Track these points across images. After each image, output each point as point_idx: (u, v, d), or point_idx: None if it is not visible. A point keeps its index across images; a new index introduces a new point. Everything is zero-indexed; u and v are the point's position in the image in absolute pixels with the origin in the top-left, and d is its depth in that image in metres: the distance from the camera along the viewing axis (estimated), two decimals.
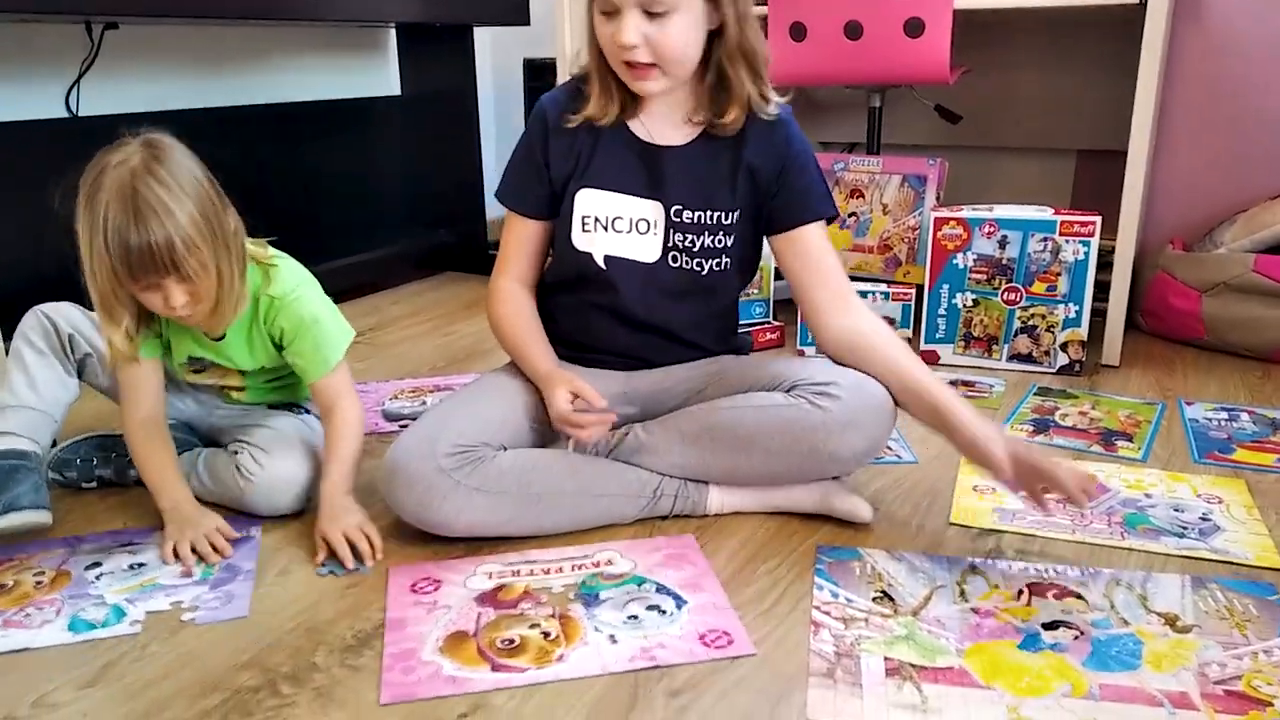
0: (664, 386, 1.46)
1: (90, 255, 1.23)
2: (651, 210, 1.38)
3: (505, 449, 1.34)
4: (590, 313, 1.43)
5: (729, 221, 1.38)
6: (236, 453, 1.42)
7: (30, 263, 2.13)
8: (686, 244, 1.38)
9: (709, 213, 1.37)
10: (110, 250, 1.20)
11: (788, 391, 1.34)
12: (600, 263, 1.39)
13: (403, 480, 1.29)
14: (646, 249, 1.38)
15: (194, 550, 1.31)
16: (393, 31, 3.02)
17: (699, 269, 1.39)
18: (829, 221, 1.41)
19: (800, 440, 1.31)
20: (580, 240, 1.39)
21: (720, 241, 1.38)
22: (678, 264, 1.39)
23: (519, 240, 1.45)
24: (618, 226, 1.38)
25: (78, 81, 2.21)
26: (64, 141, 2.16)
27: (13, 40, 2.11)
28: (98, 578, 1.28)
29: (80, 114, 2.22)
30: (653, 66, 1.26)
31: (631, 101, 1.36)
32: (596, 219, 1.38)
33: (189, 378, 1.51)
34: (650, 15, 1.22)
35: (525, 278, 1.47)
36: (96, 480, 1.52)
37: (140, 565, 1.31)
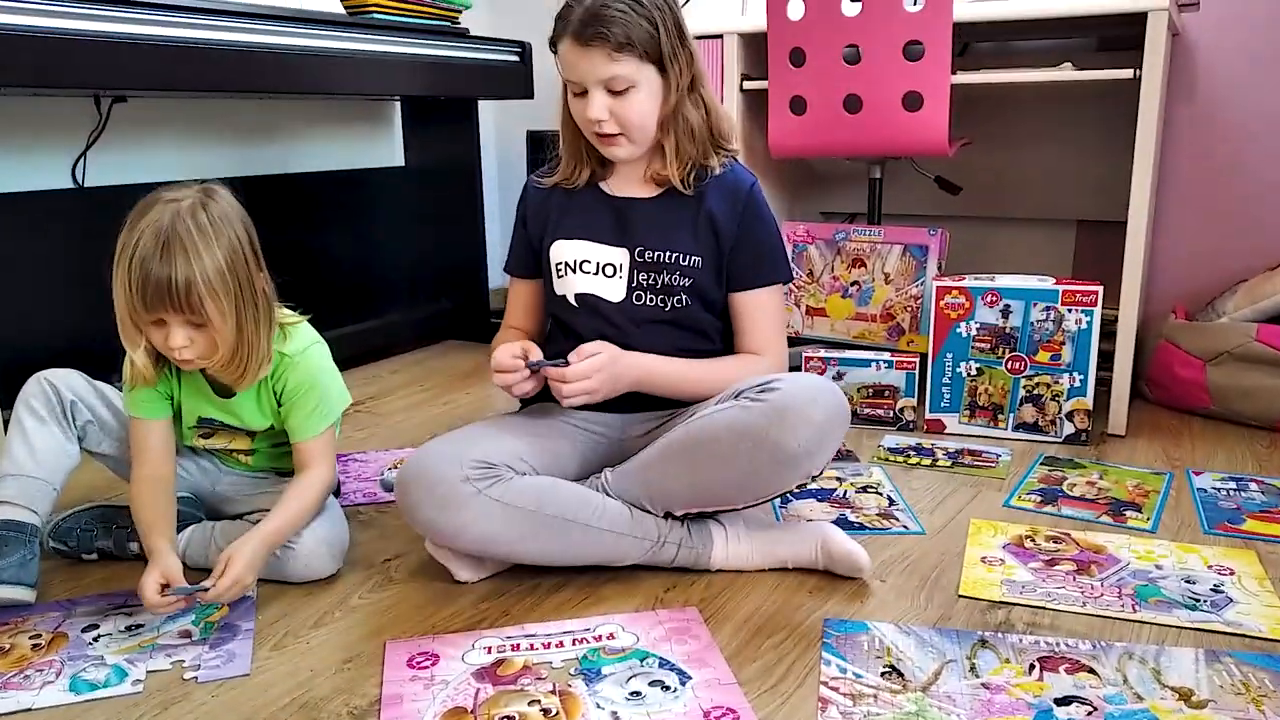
0: (651, 423, 1.51)
1: (116, 276, 1.27)
2: (618, 256, 1.50)
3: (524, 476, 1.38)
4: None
5: (687, 264, 1.47)
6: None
7: (36, 331, 2.13)
8: (650, 282, 1.49)
9: (669, 252, 1.48)
10: (131, 275, 1.24)
11: (735, 398, 1.38)
12: (573, 300, 1.51)
13: (425, 482, 1.32)
14: (613, 289, 1.50)
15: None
16: (398, 104, 3.07)
17: (661, 305, 1.49)
18: (785, 282, 1.56)
19: (744, 436, 1.32)
20: (558, 285, 1.53)
21: (679, 281, 1.48)
22: (641, 301, 1.49)
23: (514, 297, 1.64)
24: (585, 269, 1.50)
25: (84, 153, 2.23)
26: (69, 213, 2.18)
27: (21, 113, 2.14)
28: (95, 639, 1.28)
29: (86, 185, 2.24)
30: (620, 135, 1.43)
31: (601, 166, 1.53)
32: (567, 264, 1.52)
33: (198, 442, 1.50)
34: (613, 93, 1.40)
35: (521, 326, 1.63)
36: (96, 552, 1.50)
37: (138, 626, 1.31)
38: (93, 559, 1.50)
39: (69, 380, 1.45)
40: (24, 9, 1.65)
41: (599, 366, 1.39)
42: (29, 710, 1.13)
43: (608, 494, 1.41)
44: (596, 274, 1.50)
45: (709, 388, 1.46)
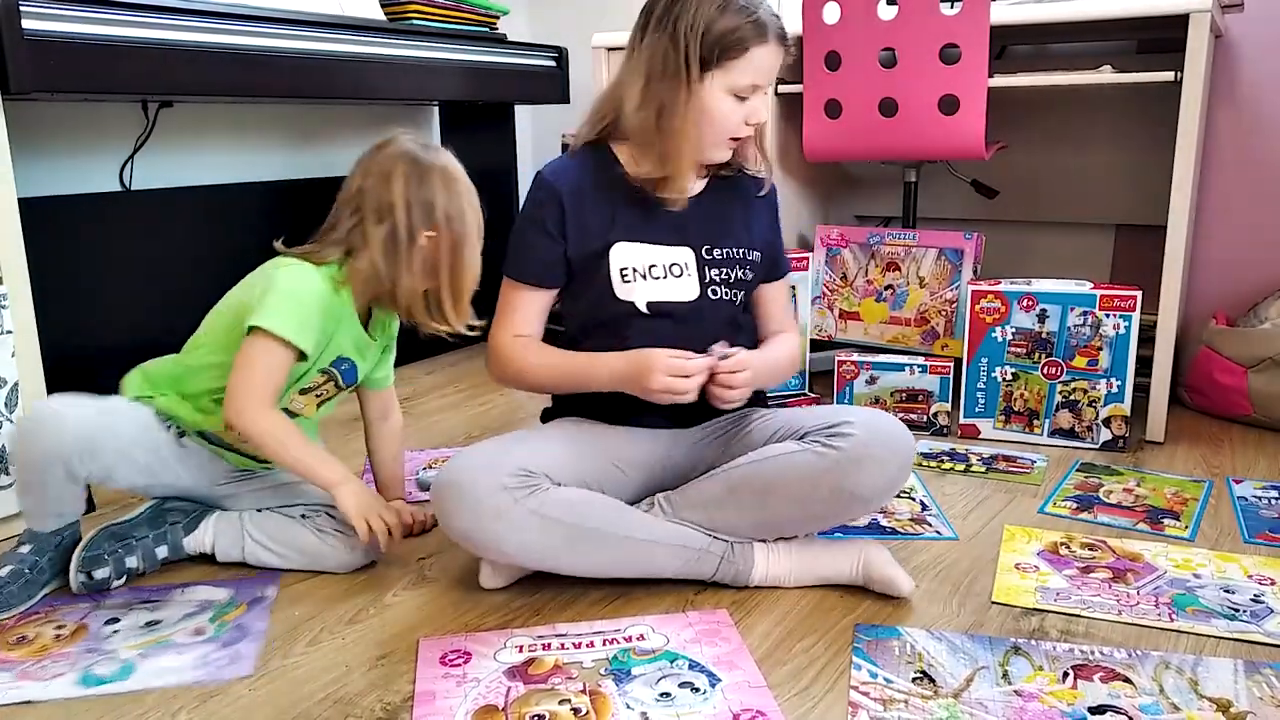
0: (697, 441, 1.50)
1: (447, 220, 1.47)
2: (682, 255, 1.48)
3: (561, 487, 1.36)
4: None
5: (751, 257, 1.51)
6: (304, 515, 1.47)
7: (85, 330, 2.18)
8: (722, 277, 1.49)
9: (734, 249, 1.50)
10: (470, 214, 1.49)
11: (801, 439, 1.39)
12: (643, 309, 1.45)
13: (461, 491, 1.30)
14: (685, 289, 1.47)
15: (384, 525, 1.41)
16: (436, 109, 3.09)
17: (734, 299, 1.50)
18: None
19: (819, 484, 1.34)
20: (621, 290, 1.45)
21: (746, 275, 1.51)
22: (716, 296, 1.48)
23: (527, 306, 1.49)
24: (654, 274, 1.46)
25: (132, 157, 2.28)
26: (116, 214, 2.22)
27: (72, 117, 2.19)
28: (113, 633, 1.30)
29: (133, 188, 2.29)
30: (751, 135, 1.47)
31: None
32: (634, 269, 1.45)
33: (292, 400, 1.47)
34: None
35: (531, 335, 1.49)
36: (126, 574, 1.42)
37: (155, 622, 1.33)
38: (121, 584, 1.42)
39: (73, 426, 1.33)
40: (75, 17, 1.69)
41: (748, 360, 1.39)
42: (29, 703, 1.15)
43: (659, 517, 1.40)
44: (665, 277, 1.45)
45: (784, 371, 1.56)
